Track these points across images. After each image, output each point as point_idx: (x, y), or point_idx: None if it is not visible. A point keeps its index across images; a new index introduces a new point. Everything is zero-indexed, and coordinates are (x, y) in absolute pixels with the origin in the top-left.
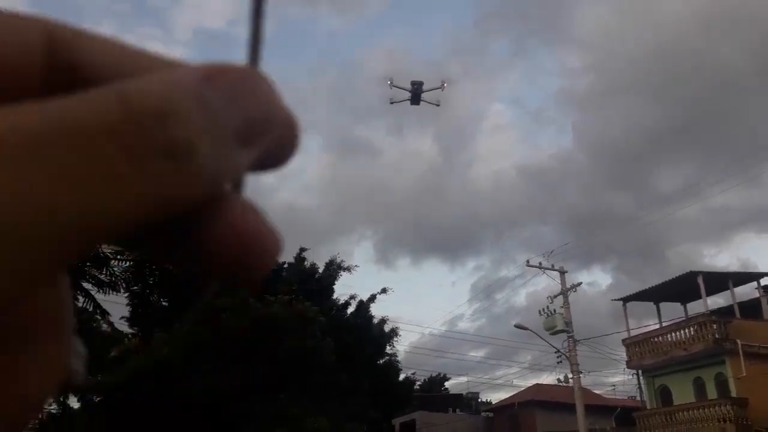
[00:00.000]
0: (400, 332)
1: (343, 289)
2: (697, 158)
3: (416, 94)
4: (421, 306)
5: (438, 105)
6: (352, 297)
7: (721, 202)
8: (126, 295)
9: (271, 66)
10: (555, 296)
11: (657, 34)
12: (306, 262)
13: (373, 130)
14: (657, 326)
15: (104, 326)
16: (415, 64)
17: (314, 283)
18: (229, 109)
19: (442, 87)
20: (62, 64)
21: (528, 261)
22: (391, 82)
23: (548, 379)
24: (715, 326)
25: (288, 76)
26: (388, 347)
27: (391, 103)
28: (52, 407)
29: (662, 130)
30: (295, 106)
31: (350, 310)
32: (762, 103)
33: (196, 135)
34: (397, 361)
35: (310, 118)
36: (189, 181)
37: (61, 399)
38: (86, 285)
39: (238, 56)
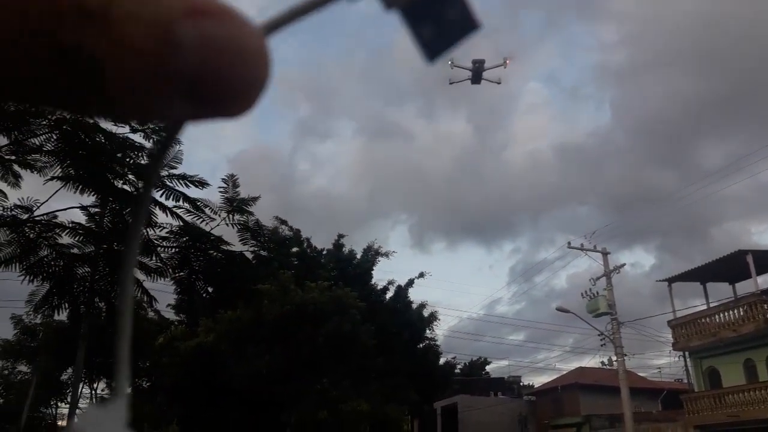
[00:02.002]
0: (439, 316)
1: (380, 274)
2: (743, 132)
3: (477, 72)
4: (460, 290)
5: (499, 83)
6: (390, 282)
7: None
8: (172, 283)
9: (304, 52)
10: (597, 278)
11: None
12: (344, 249)
13: (406, 113)
14: (704, 307)
15: (151, 314)
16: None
17: (352, 268)
18: (190, 56)
19: (504, 64)
20: None
21: (569, 242)
22: (452, 62)
23: (591, 362)
24: (766, 306)
25: (321, 60)
26: (427, 331)
27: (451, 83)
28: (104, 391)
29: (705, 103)
30: (329, 91)
31: (389, 295)
32: None
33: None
34: (437, 346)
35: (343, 103)
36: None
37: (112, 384)
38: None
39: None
